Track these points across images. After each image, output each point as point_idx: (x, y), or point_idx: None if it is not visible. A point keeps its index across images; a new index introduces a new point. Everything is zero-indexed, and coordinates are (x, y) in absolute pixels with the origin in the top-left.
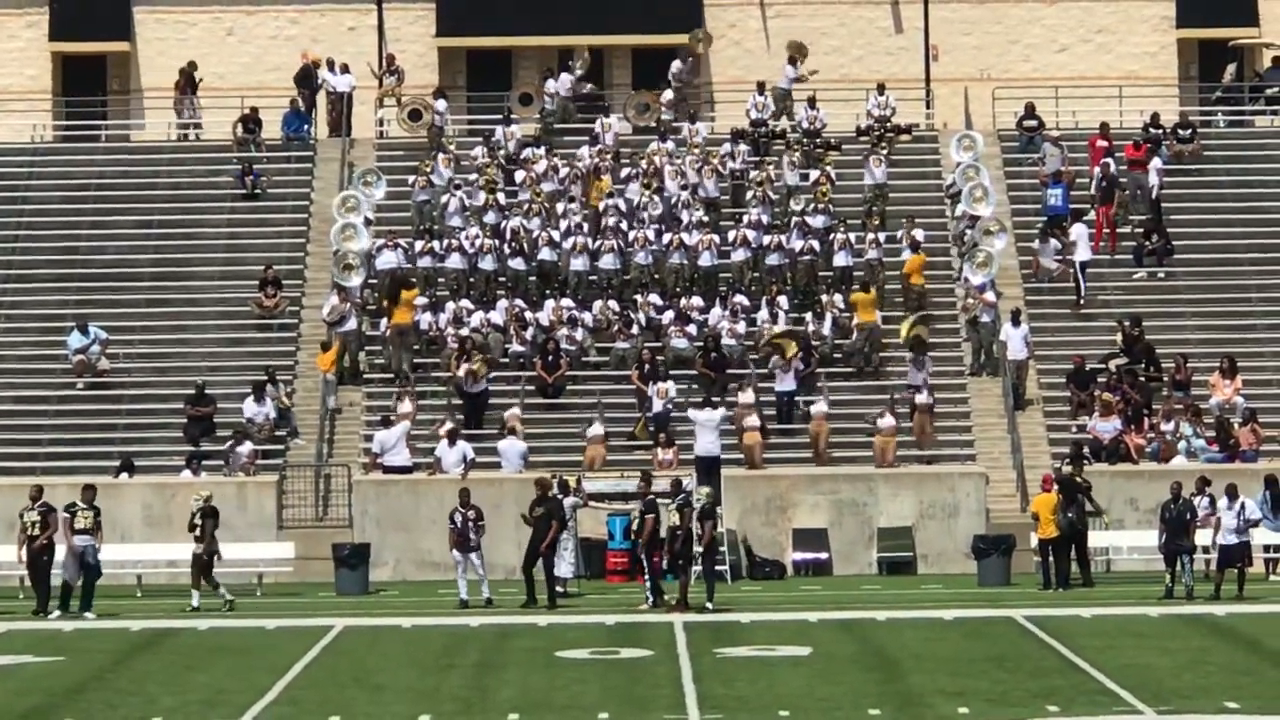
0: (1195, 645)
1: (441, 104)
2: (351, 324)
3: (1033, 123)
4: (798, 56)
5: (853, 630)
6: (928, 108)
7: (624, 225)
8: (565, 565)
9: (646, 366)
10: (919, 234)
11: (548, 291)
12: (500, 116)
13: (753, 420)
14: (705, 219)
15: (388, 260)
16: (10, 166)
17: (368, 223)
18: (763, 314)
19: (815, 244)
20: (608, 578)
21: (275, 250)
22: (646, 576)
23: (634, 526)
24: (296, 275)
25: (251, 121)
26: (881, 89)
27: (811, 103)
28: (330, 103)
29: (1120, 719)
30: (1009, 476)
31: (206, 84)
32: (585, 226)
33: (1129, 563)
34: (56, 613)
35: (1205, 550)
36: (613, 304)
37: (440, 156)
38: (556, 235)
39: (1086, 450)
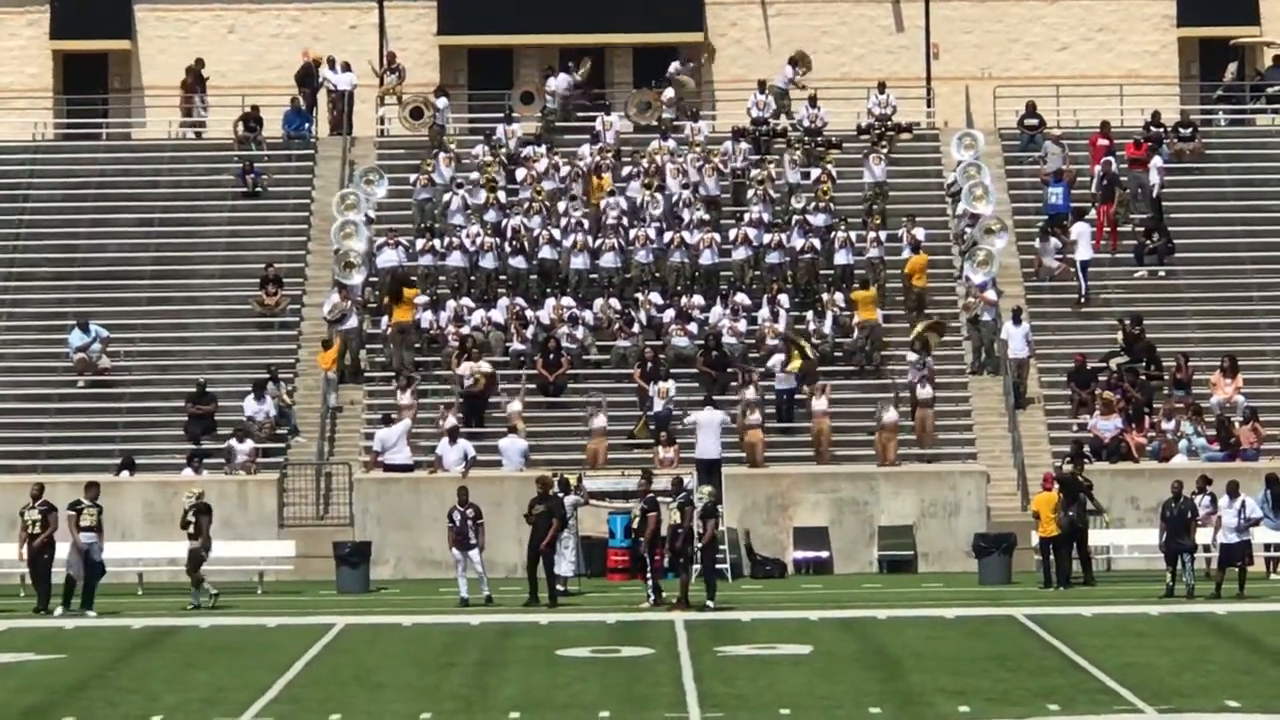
0: (1196, 644)
1: (442, 102)
2: (352, 322)
3: (1034, 121)
4: (800, 65)
5: (853, 629)
6: (928, 106)
7: (625, 224)
8: (566, 564)
9: (648, 365)
10: (920, 233)
11: (549, 290)
12: (501, 115)
13: (755, 418)
14: (706, 217)
15: (389, 258)
16: (11, 165)
17: (368, 221)
18: (763, 312)
19: (816, 242)
20: (608, 576)
21: (276, 248)
22: (648, 575)
23: (635, 525)
24: (297, 273)
25: (252, 120)
26: (882, 87)
27: (812, 101)
28: (331, 101)
29: (1121, 718)
30: (1010, 475)
31: (208, 82)
32: (586, 225)
33: (1130, 561)
34: (59, 609)
35: (1206, 549)
36: (614, 302)
37: (441, 155)
38: (557, 233)
39: (1087, 449)
